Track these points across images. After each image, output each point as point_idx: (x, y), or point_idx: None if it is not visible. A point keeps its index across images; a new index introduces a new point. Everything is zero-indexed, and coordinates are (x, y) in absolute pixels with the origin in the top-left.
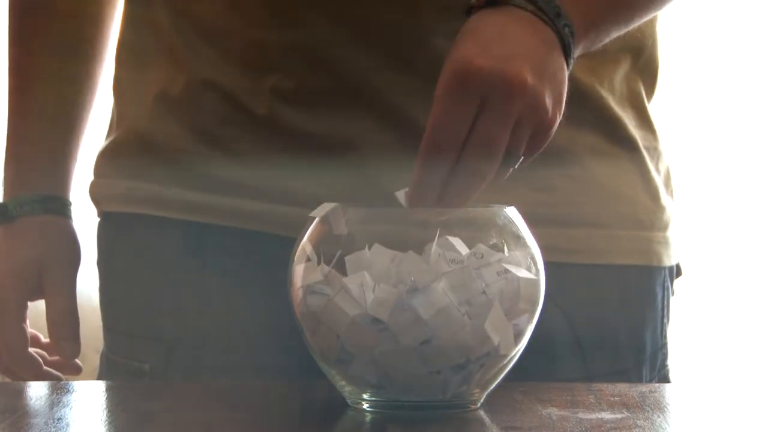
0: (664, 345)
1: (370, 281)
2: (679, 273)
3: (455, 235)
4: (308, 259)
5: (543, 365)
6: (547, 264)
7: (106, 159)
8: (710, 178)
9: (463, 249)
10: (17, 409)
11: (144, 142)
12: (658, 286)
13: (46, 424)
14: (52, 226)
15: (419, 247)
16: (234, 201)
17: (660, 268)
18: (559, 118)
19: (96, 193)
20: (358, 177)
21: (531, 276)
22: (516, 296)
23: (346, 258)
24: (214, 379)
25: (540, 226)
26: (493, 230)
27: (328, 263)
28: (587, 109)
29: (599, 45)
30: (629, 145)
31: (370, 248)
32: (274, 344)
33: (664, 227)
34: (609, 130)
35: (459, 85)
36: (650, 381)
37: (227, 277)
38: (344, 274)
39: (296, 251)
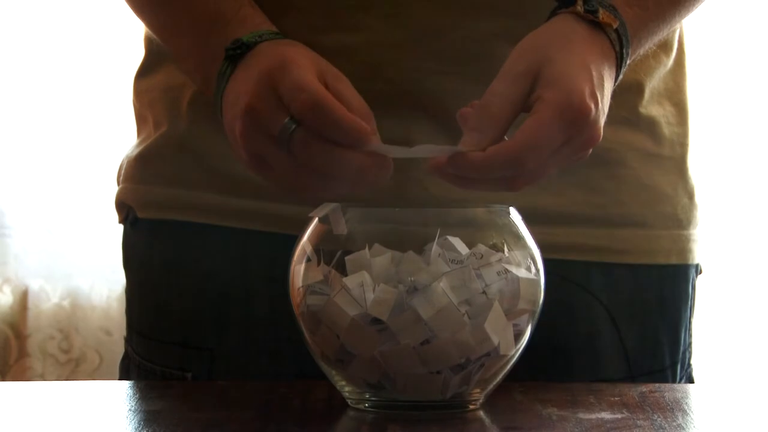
0: (690, 343)
1: (370, 281)
2: (699, 271)
3: (455, 235)
4: (308, 259)
5: (589, 365)
6: (593, 265)
7: (141, 165)
8: (710, 176)
9: (463, 249)
10: (19, 409)
11: (182, 148)
12: (690, 284)
13: (47, 423)
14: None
15: (419, 247)
16: (277, 207)
17: (693, 266)
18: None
19: (129, 199)
20: (410, 181)
21: (531, 276)
22: (516, 296)
23: (346, 258)
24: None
25: (590, 226)
26: (493, 230)
27: (328, 263)
28: (631, 109)
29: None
30: (670, 143)
31: (370, 248)
32: None
33: (696, 225)
34: (651, 129)
35: (569, 116)
36: (680, 379)
37: (271, 283)
38: (344, 274)
39: (296, 251)
